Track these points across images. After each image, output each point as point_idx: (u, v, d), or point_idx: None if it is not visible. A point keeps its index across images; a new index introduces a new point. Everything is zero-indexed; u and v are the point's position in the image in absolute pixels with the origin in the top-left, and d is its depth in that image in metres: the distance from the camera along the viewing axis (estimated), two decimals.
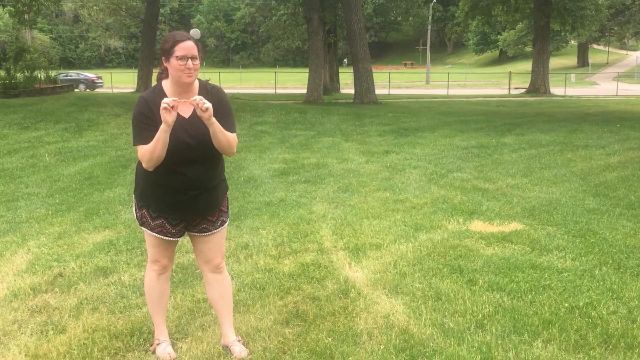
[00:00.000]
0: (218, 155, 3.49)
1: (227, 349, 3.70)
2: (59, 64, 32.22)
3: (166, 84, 3.37)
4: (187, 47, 3.23)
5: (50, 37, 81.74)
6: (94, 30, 70.98)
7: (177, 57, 3.22)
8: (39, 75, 24.47)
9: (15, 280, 4.85)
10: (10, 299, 4.48)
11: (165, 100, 3.13)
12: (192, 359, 3.60)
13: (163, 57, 3.29)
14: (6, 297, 4.53)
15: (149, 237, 3.56)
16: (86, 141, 12.72)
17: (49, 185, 8.53)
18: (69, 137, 13.23)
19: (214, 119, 3.24)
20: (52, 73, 26.17)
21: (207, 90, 3.43)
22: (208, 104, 3.18)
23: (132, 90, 31.07)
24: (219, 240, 3.66)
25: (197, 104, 3.17)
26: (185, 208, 3.46)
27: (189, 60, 3.23)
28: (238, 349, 3.67)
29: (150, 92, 3.36)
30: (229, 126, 3.38)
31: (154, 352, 3.66)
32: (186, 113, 3.35)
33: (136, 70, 35.52)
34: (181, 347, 3.75)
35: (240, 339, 3.77)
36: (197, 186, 3.42)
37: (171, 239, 3.54)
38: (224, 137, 3.33)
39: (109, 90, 34.43)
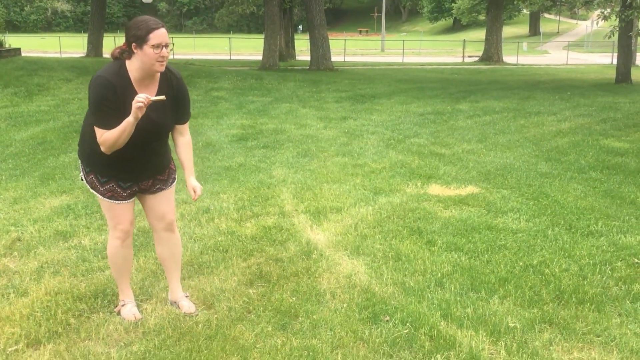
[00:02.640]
0: (169, 133, 3.58)
1: (174, 304, 3.77)
2: (4, 27, 31.12)
3: (130, 65, 3.29)
4: (162, 34, 3.20)
5: None
6: None
7: (152, 45, 3.17)
8: None
9: None
10: None
11: (140, 98, 3.11)
12: (158, 319, 3.62)
13: (134, 43, 3.20)
14: None
15: (102, 202, 3.53)
16: (37, 106, 12.40)
17: (1, 151, 8.32)
18: (19, 101, 12.87)
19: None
20: None
21: (168, 78, 3.42)
22: (200, 191, 3.54)
23: (82, 55, 30.22)
24: (170, 195, 3.69)
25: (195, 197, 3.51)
26: (135, 172, 3.47)
27: (163, 49, 3.21)
28: (187, 304, 3.75)
29: (115, 75, 3.26)
30: (186, 114, 3.55)
31: (118, 313, 3.67)
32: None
33: (85, 35, 34.51)
34: (146, 308, 3.77)
35: (188, 294, 3.85)
36: (147, 155, 3.46)
37: (123, 201, 3.52)
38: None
39: (58, 55, 33.39)
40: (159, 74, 3.36)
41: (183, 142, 3.58)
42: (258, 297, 3.92)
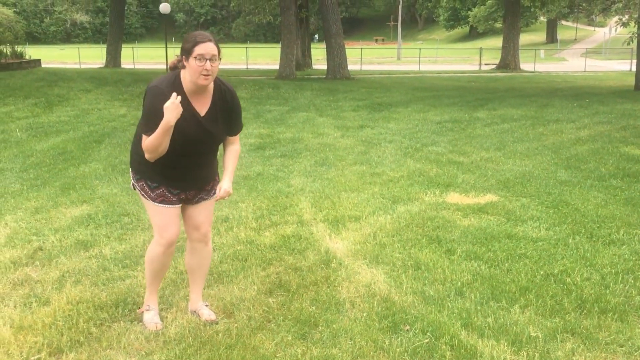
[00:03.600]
0: (219, 144, 3.64)
1: (195, 313, 3.80)
2: (24, 39, 31.51)
3: (184, 75, 3.36)
4: (205, 47, 3.24)
5: (15, 11, 79.43)
6: (59, 4, 69.24)
7: (195, 57, 3.22)
8: (5, 50, 23.93)
9: None
10: None
11: (173, 97, 3.19)
12: (178, 328, 3.63)
13: (183, 56, 3.29)
14: None
15: (152, 208, 3.55)
16: (57, 116, 12.53)
17: (22, 161, 8.42)
18: (40, 112, 13.02)
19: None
20: (18, 48, 25.58)
21: (221, 91, 3.48)
22: (225, 193, 3.49)
23: (101, 66, 30.54)
24: (210, 205, 3.74)
25: (223, 197, 3.51)
26: (184, 181, 3.52)
27: (207, 62, 3.24)
28: (207, 312, 3.78)
29: (170, 85, 3.32)
30: (238, 127, 3.63)
31: (141, 315, 3.71)
32: (202, 110, 3.41)
33: (104, 46, 34.87)
34: (167, 317, 3.78)
35: (207, 303, 3.87)
36: (197, 165, 3.53)
37: (173, 206, 3.56)
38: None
39: (77, 66, 33.76)
40: (212, 86, 3.43)
41: (232, 150, 3.65)
42: (278, 306, 3.92)
